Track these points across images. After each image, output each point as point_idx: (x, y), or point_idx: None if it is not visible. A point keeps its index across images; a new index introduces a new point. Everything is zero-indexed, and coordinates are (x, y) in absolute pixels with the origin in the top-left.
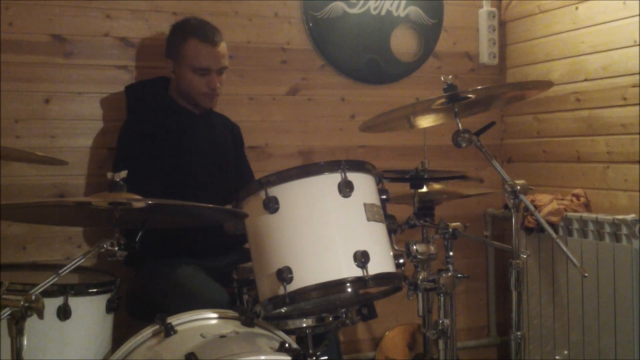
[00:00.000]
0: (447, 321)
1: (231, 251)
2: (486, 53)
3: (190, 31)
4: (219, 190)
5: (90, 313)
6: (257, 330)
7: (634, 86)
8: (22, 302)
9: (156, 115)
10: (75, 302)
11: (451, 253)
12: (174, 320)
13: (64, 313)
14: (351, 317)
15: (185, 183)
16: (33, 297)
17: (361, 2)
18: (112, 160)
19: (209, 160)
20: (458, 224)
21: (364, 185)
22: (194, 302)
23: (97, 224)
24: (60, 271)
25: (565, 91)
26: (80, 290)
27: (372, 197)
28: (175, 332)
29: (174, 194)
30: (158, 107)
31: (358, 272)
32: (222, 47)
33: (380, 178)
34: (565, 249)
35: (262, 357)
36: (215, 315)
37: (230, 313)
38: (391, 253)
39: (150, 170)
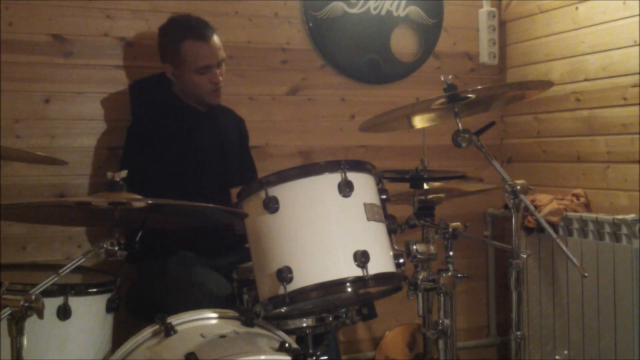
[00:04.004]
0: (447, 321)
1: (232, 250)
2: (486, 53)
3: (183, 33)
4: (226, 187)
5: (90, 313)
6: (257, 330)
7: (634, 86)
8: (22, 302)
9: (163, 114)
10: (75, 302)
11: (451, 253)
12: (174, 320)
13: (64, 313)
14: (351, 317)
15: (193, 181)
16: (33, 297)
17: (361, 2)
18: (119, 160)
19: (217, 157)
20: (458, 224)
21: (364, 185)
22: (194, 303)
23: (97, 224)
24: (60, 271)
25: (565, 91)
26: (80, 290)
27: (372, 197)
28: (175, 332)
29: (182, 192)
30: (164, 106)
31: (358, 272)
32: (216, 40)
33: (380, 178)
34: (565, 249)
35: (262, 357)
36: (215, 315)
37: (230, 313)
38: (391, 253)
39: (158, 169)
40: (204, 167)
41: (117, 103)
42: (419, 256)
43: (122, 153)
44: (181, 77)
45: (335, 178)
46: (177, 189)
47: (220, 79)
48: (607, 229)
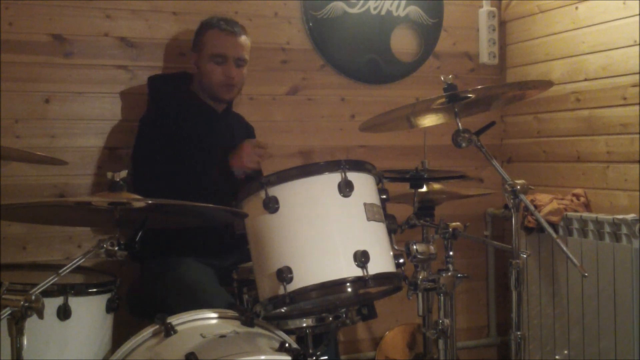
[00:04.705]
0: (447, 321)
1: (233, 251)
2: (486, 53)
3: (212, 23)
4: (230, 188)
5: (90, 313)
6: (257, 330)
7: (634, 86)
8: (22, 302)
9: (177, 109)
10: (75, 302)
11: (451, 253)
12: (174, 320)
13: (64, 313)
14: (351, 317)
15: (201, 180)
16: (33, 297)
17: (361, 2)
18: (132, 156)
19: (224, 157)
20: (458, 224)
21: (364, 185)
22: (195, 304)
23: (97, 224)
24: (60, 271)
25: (565, 91)
26: (80, 290)
27: (372, 197)
28: (175, 332)
29: (189, 191)
30: (180, 101)
31: (358, 272)
32: (242, 39)
33: (380, 178)
34: (565, 249)
35: (262, 357)
36: (215, 315)
37: (230, 313)
38: (391, 253)
39: (168, 165)
40: (215, 164)
41: (118, 103)
42: (419, 256)
43: (134, 144)
44: (199, 65)
45: (335, 178)
46: (184, 186)
47: (234, 76)
48: (607, 229)
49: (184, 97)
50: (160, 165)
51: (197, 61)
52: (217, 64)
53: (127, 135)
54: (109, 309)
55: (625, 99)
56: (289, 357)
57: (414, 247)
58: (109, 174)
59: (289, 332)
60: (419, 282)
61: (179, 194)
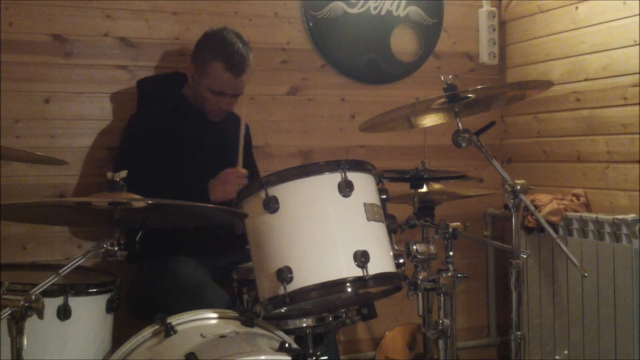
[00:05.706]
0: (447, 321)
1: (233, 251)
2: (486, 53)
3: (221, 54)
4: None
5: (90, 313)
6: (257, 330)
7: (634, 86)
8: (22, 302)
9: (167, 112)
10: (75, 302)
11: (451, 253)
12: (174, 320)
13: (64, 313)
14: (351, 317)
15: (193, 181)
16: (33, 297)
17: (361, 2)
18: (115, 155)
19: (218, 159)
20: (458, 224)
21: (364, 185)
22: (195, 304)
23: (97, 224)
24: (60, 271)
25: (565, 91)
26: (80, 290)
27: (372, 197)
28: (175, 332)
29: (181, 193)
30: (170, 104)
31: (358, 272)
32: (244, 77)
33: (380, 178)
34: (565, 249)
35: (262, 357)
36: (215, 315)
37: (230, 313)
38: (391, 253)
39: (157, 168)
40: (205, 168)
41: (118, 103)
42: (419, 256)
43: (120, 145)
44: (197, 83)
45: (335, 178)
46: (177, 189)
47: (228, 107)
48: (607, 229)
49: (174, 100)
50: (150, 167)
51: (195, 76)
52: (215, 95)
53: None
54: (109, 309)
55: (625, 99)
56: (289, 357)
57: (414, 247)
58: (109, 174)
59: (289, 332)
60: (419, 282)
61: (171, 195)
